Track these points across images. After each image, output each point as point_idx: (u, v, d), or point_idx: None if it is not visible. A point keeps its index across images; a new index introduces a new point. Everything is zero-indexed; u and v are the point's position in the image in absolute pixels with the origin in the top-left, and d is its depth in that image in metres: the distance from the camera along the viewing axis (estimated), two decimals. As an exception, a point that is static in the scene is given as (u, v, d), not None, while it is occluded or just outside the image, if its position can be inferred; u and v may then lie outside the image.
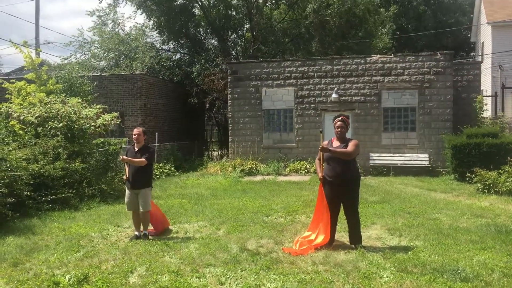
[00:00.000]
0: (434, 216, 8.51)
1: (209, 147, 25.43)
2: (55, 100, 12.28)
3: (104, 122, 12.16)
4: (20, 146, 10.51)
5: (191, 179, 15.01)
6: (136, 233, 7.20)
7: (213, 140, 27.75)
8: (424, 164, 15.64)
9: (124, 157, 7.14)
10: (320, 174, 6.44)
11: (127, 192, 7.28)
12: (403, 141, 16.26)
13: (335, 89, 16.70)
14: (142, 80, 18.70)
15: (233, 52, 24.77)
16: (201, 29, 25.06)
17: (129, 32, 25.62)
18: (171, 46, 25.88)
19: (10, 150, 9.59)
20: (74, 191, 10.05)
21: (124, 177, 7.40)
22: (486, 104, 18.01)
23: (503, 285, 4.82)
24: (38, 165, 9.74)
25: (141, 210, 7.15)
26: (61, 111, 11.56)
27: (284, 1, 24.69)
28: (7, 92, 13.62)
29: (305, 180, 14.23)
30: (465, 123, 15.29)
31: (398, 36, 29.81)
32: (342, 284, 4.97)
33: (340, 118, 6.40)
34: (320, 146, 6.21)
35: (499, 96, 20.14)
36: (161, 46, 25.75)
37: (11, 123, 11.48)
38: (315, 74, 17.06)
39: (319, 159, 6.52)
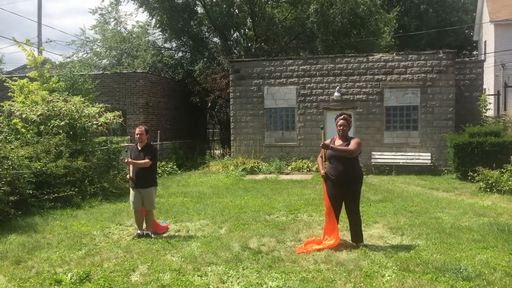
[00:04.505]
0: (436, 215, 8.50)
1: (211, 146, 25.44)
2: (58, 98, 12.31)
3: (106, 121, 12.17)
4: (22, 144, 10.54)
5: (193, 177, 15.02)
6: (139, 231, 7.20)
7: (215, 138, 27.76)
8: (426, 163, 15.61)
9: (129, 159, 7.14)
10: (322, 171, 6.43)
11: (131, 191, 7.28)
12: (405, 139, 16.23)
13: (337, 87, 16.67)
14: (144, 79, 18.71)
15: (235, 50, 24.73)
16: (203, 28, 25.02)
17: (131, 30, 25.67)
18: (173, 45, 25.88)
19: (12, 148, 9.61)
20: (76, 189, 10.06)
21: (128, 176, 7.41)
22: (490, 103, 17.95)
23: (505, 284, 4.81)
24: (40, 163, 9.76)
25: (146, 209, 7.18)
26: (63, 109, 11.57)
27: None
28: (9, 90, 13.65)
29: (307, 178, 14.22)
30: (468, 122, 15.23)
31: (401, 34, 29.72)
32: (343, 283, 4.96)
33: (342, 117, 6.41)
34: (321, 143, 6.21)
35: (501, 95, 20.08)
36: (163, 45, 25.75)
37: (13, 121, 11.50)
38: (317, 73, 17.03)
39: (321, 157, 6.52)
